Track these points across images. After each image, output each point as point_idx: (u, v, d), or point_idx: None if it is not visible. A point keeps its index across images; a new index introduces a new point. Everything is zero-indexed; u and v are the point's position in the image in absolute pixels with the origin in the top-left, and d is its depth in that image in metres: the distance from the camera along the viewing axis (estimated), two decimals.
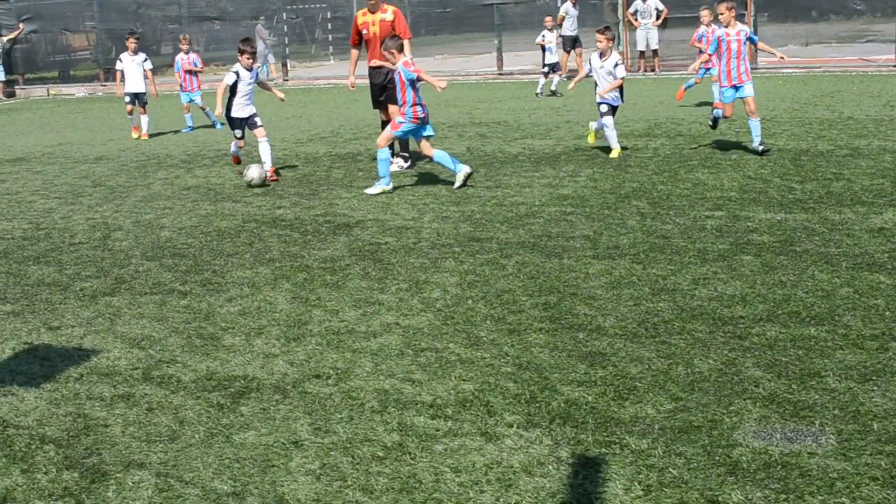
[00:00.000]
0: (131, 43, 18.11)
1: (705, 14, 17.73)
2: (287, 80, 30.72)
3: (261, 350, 6.01)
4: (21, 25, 33.49)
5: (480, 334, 6.11)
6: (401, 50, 11.07)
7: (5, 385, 5.67)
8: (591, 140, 13.57)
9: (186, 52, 19.31)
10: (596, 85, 12.85)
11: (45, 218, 10.61)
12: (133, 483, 4.39)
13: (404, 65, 10.77)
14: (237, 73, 12.24)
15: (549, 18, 23.65)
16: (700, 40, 17.57)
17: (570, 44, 24.58)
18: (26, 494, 4.35)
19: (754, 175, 10.77)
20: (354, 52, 12.76)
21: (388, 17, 12.32)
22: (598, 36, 12.77)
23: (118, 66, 18.49)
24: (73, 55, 36.62)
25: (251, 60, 12.30)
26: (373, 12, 12.50)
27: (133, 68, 18.24)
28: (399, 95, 10.88)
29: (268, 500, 4.20)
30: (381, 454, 4.55)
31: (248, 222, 9.74)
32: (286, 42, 31.94)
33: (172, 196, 11.52)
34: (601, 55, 12.69)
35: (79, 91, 33.01)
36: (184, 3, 32.62)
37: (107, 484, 4.40)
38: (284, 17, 32.06)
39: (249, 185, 11.80)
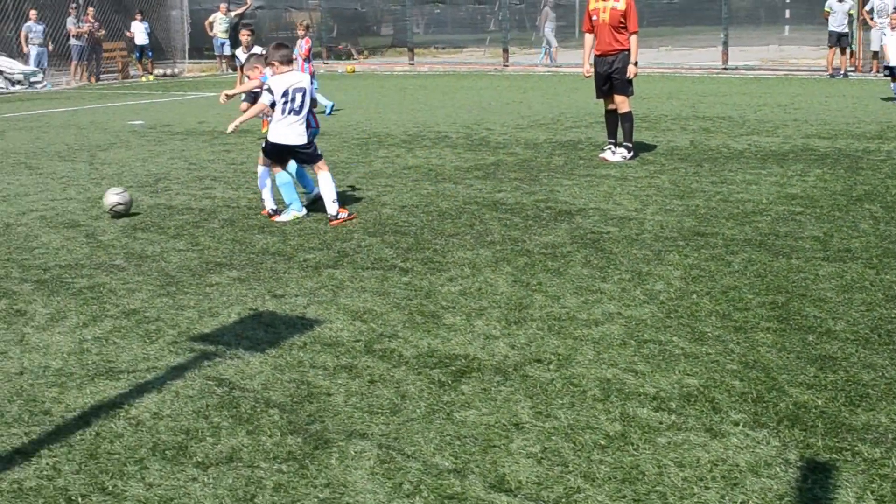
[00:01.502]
0: (244, 37, 14.24)
1: None
2: (507, 66, 30.77)
3: (481, 331, 5.96)
4: (249, 1, 34.75)
5: (705, 329, 5.88)
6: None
7: (231, 349, 5.82)
8: None
9: (303, 38, 19.34)
10: None
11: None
12: (355, 452, 4.40)
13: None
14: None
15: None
16: None
17: (835, 40, 23.80)
18: (252, 455, 4.42)
19: None
20: (588, 38, 12.57)
21: (620, 5, 12.07)
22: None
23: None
24: (295, 32, 37.78)
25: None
26: None
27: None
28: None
29: (489, 479, 4.13)
30: (603, 443, 4.42)
31: (468, 204, 9.74)
32: (507, 28, 31.98)
33: (393, 174, 11.66)
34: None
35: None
36: None
37: (329, 451, 4.42)
38: (507, 3, 32.08)
39: (114, 215, 9.69)
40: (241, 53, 13.50)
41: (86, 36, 30.15)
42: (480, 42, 36.64)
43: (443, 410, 4.81)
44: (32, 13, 29.09)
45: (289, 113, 9.11)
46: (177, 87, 26.96)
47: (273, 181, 9.51)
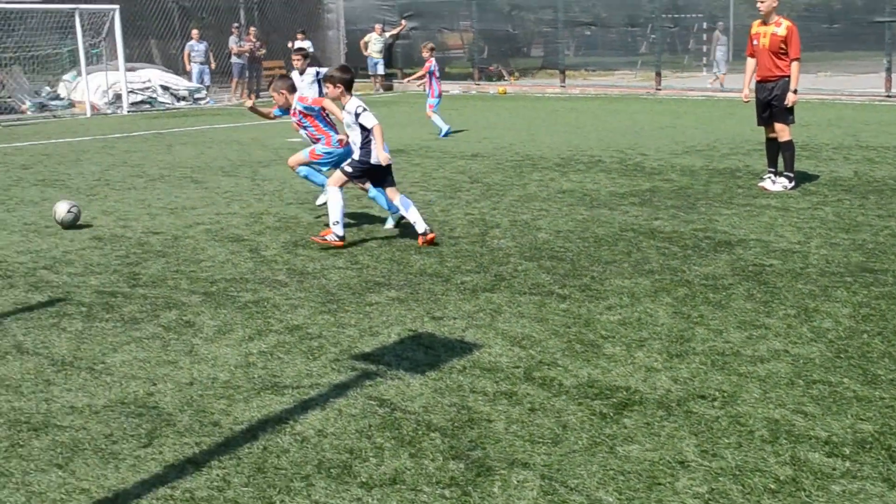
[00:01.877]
0: (297, 61, 14.05)
1: None
2: (659, 90, 30.44)
3: (642, 363, 5.89)
4: (403, 22, 35.27)
5: (878, 372, 5.68)
6: (292, 91, 10.35)
7: (392, 369, 5.88)
8: None
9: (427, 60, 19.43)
10: None
11: (424, 209, 10.98)
12: (518, 482, 4.39)
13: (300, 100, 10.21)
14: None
15: None
16: None
17: None
18: (415, 479, 4.46)
19: None
20: (750, 62, 12.31)
21: (781, 31, 11.80)
22: None
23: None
24: (447, 53, 38.15)
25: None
26: (765, 24, 12.04)
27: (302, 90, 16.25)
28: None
29: None
30: (773, 487, 4.30)
31: (625, 231, 9.65)
32: (659, 51, 31.64)
33: (548, 198, 11.64)
34: None
35: (453, 88, 34.30)
36: (560, 7, 33.05)
37: (492, 479, 4.43)
38: (660, 26, 31.75)
39: (63, 226, 10.35)
40: (296, 77, 13.45)
41: (246, 54, 31.06)
42: (632, 65, 36.31)
43: (605, 443, 4.76)
44: (195, 32, 30.12)
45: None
46: None
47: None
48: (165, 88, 29.33)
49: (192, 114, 26.42)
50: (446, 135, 19.20)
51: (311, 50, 32.30)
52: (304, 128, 10.26)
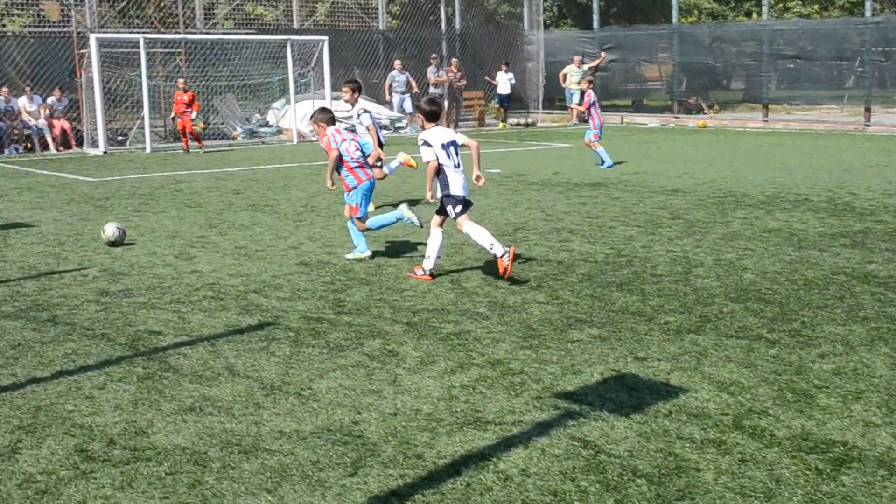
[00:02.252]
0: (346, 93, 13.37)
1: None
2: (868, 126, 29.28)
3: (860, 416, 5.61)
4: (602, 54, 35.11)
5: None
6: (330, 124, 10.40)
7: (595, 410, 5.80)
8: None
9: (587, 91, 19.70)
10: None
11: (625, 245, 10.87)
12: None
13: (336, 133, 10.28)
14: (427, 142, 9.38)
15: None
16: None
17: None
18: None
19: None
20: None
21: None
22: None
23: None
24: (645, 85, 37.76)
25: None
26: None
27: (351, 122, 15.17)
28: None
29: None
30: None
31: (836, 274, 9.26)
32: (868, 85, 30.45)
33: (753, 237, 11.30)
34: None
35: (651, 121, 33.93)
36: (765, 40, 32.26)
37: None
38: (870, 59, 30.57)
39: (110, 244, 11.18)
40: (366, 116, 13.30)
41: (444, 85, 31.56)
42: (837, 99, 35.08)
43: (822, 502, 4.55)
44: (397, 63, 30.82)
45: (455, 165, 9.32)
46: (531, 137, 27.59)
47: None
48: None
49: (393, 142, 26.93)
50: (609, 167, 19.31)
51: (513, 82, 32.66)
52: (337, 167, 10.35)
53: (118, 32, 27.93)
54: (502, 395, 6.08)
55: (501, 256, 9.01)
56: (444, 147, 9.30)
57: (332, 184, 10.53)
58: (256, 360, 6.88)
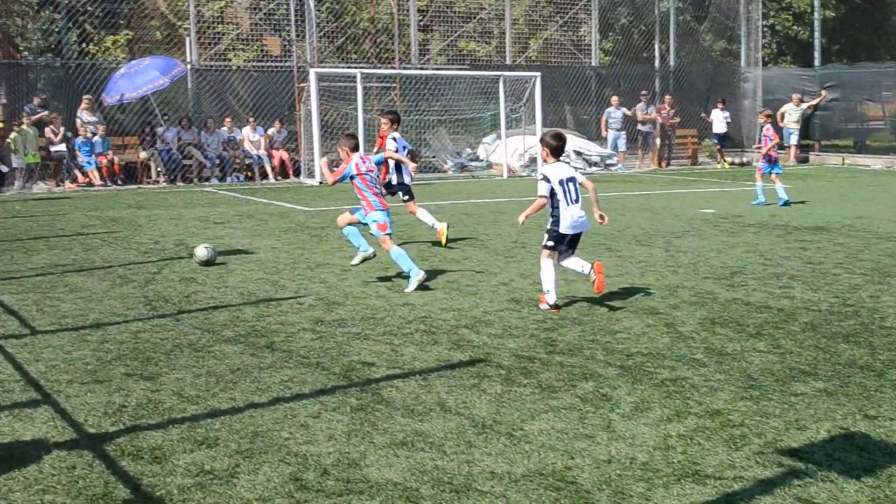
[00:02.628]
0: (384, 123, 14.23)
1: None
2: None
3: None
4: (823, 92, 33.92)
5: None
6: (353, 150, 10.94)
7: (822, 469, 5.46)
8: None
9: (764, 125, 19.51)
10: None
11: (851, 294, 10.33)
12: None
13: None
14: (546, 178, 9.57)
15: None
16: None
17: None
18: None
19: None
20: None
21: None
22: None
23: None
24: (867, 125, 36.20)
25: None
26: None
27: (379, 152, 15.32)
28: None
29: None
30: None
31: None
32: None
33: None
34: None
35: (874, 163, 32.52)
36: None
37: None
38: None
39: (201, 264, 12.18)
40: (391, 141, 13.78)
41: (653, 122, 31.14)
42: None
43: None
44: (614, 99, 30.64)
45: (570, 203, 9.39)
46: (746, 177, 26.79)
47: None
48: (578, 153, 29.95)
49: (603, 179, 26.75)
50: (785, 204, 19.07)
51: (729, 121, 31.89)
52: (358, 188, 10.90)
53: (336, 67, 28.83)
54: (722, 448, 5.81)
55: (542, 305, 9.56)
56: (562, 183, 9.42)
57: (329, 179, 11.06)
58: (468, 396, 6.83)
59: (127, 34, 28.28)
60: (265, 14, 29.32)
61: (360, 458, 5.65)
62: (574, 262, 9.56)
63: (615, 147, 30.44)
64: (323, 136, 25.89)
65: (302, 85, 27.30)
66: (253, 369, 7.54)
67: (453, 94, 29.10)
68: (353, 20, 30.65)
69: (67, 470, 5.47)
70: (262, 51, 30.08)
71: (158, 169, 25.97)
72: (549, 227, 9.53)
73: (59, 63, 26.83)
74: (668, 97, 32.28)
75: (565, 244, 9.57)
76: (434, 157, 29.80)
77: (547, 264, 9.51)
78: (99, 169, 25.12)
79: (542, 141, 9.71)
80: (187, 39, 27.75)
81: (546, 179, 9.42)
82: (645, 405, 6.63)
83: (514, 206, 19.60)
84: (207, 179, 26.09)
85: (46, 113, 24.95)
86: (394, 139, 13.70)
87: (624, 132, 30.44)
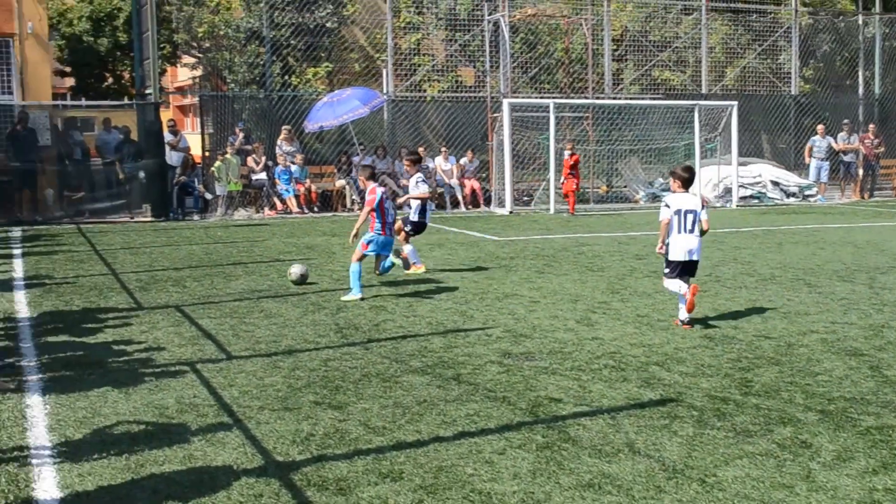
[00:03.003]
0: (408, 165, 15.71)
1: None
2: None
3: None
4: None
5: None
6: (369, 179, 12.55)
7: None
8: None
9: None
10: None
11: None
12: None
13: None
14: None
15: None
16: None
17: None
18: None
19: None
20: None
21: None
22: None
23: None
24: None
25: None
26: None
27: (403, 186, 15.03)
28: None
29: None
30: None
31: None
32: None
33: None
34: None
35: None
36: None
37: None
38: None
39: (294, 283, 13.07)
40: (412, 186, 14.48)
41: (856, 152, 29.96)
42: None
43: None
44: (820, 128, 29.58)
45: (682, 231, 10.10)
46: None
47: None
48: (776, 184, 29.06)
49: (802, 211, 25.84)
50: None
51: None
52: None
53: (529, 97, 28.85)
54: None
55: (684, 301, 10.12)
56: (679, 212, 10.09)
57: (356, 235, 12.39)
58: (658, 438, 6.60)
59: (327, 66, 29.04)
60: (460, 45, 29.64)
61: (545, 499, 5.51)
62: (673, 284, 10.26)
63: (817, 177, 29.36)
64: (514, 166, 25.90)
65: (495, 115, 27.44)
66: (439, 401, 7.50)
67: (646, 124, 28.70)
68: (546, 50, 30.62)
69: (254, 498, 5.54)
70: (456, 81, 30.41)
71: (353, 197, 26.53)
72: (664, 253, 10.31)
73: (263, 94, 27.78)
74: (871, 126, 30.95)
75: (678, 271, 10.23)
76: (626, 186, 29.41)
77: (668, 284, 10.36)
78: (297, 196, 25.87)
79: (673, 173, 10.34)
80: (384, 71, 28.31)
81: (667, 206, 10.18)
82: (848, 454, 6.25)
83: (709, 238, 19.05)
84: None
85: (244, 141, 25.90)
86: (418, 182, 14.40)
87: (828, 162, 29.35)
